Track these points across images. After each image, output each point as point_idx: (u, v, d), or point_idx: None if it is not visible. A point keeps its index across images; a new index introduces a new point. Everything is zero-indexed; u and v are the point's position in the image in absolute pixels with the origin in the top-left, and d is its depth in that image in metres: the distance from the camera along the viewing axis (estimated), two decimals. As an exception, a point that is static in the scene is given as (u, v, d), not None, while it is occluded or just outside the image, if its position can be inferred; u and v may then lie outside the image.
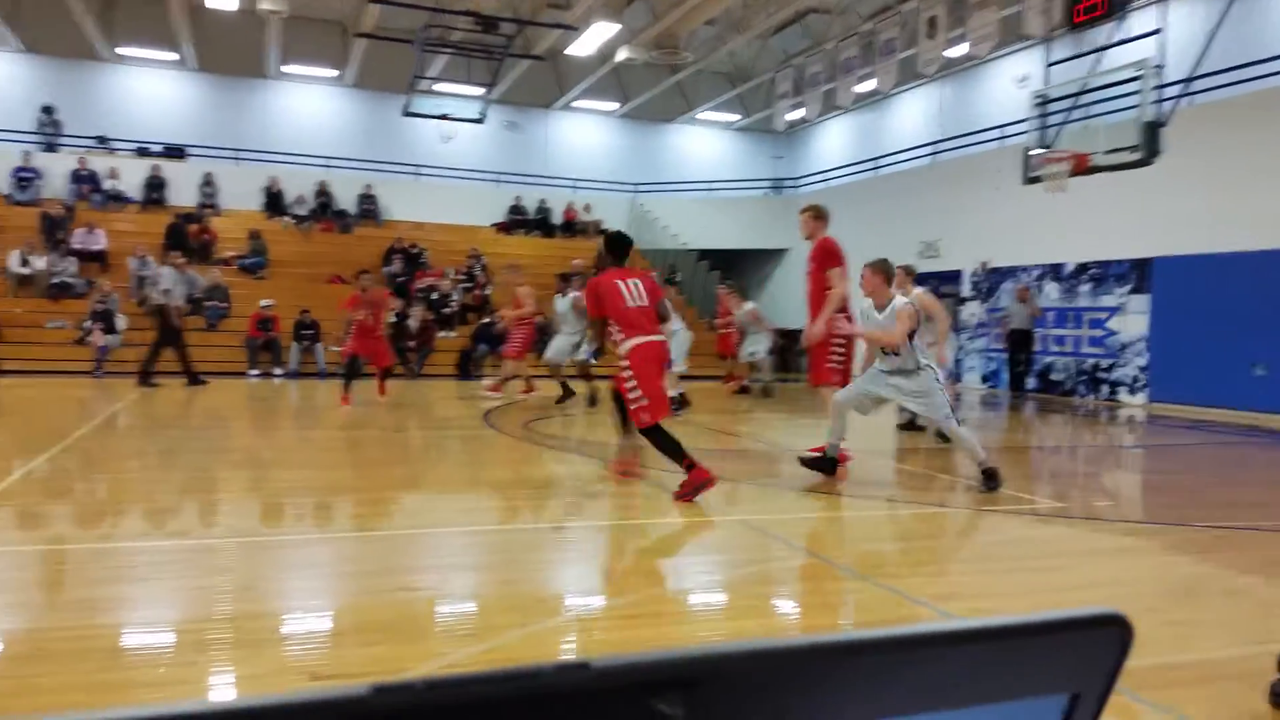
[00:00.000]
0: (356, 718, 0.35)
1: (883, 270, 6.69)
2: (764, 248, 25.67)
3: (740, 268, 26.66)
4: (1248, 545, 5.26)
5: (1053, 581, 4.57)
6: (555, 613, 3.73)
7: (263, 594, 3.90)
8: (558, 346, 12.00)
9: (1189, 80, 11.88)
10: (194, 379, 13.85)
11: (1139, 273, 14.98)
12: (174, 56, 22.21)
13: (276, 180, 22.33)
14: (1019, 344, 15.96)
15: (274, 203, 22.20)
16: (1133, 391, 15.03)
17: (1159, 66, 10.70)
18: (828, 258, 7.40)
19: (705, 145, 28.08)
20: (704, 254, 24.46)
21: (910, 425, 9.69)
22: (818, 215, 7.66)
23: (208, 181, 21.80)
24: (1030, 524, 5.78)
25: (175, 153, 22.28)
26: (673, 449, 5.83)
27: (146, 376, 13.49)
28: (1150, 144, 10.50)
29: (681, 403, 11.17)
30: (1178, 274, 14.43)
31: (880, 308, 6.65)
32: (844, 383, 7.18)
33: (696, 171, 27.35)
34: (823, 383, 7.32)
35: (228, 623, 3.48)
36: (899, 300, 6.59)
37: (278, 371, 16.44)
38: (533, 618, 3.57)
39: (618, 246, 6.35)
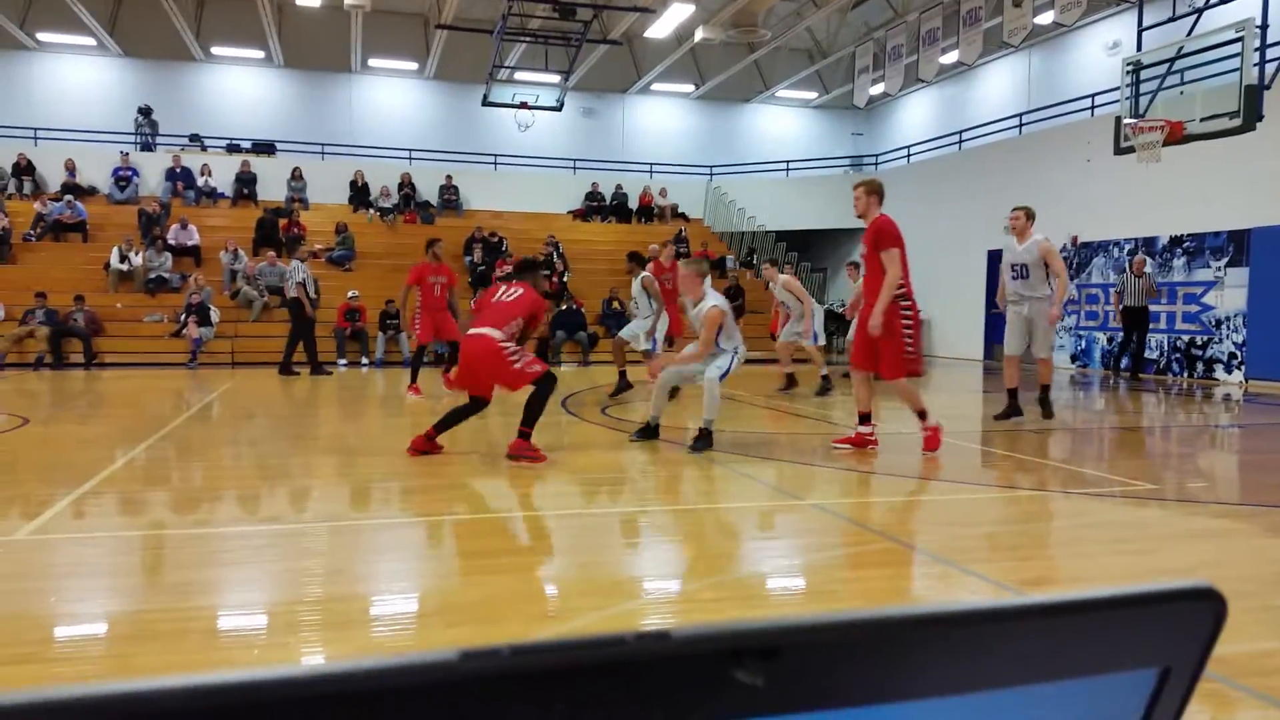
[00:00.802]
0: (444, 682, 0.37)
1: (695, 269, 7.43)
2: (843, 227, 25.26)
3: (820, 248, 26.34)
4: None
5: (1145, 565, 4.44)
6: (634, 595, 3.77)
7: (351, 577, 4.03)
8: (631, 330, 11.63)
9: (1293, 40, 11.30)
10: (318, 369, 14.58)
11: (1236, 245, 14.35)
12: (261, 54, 22.88)
13: (361, 173, 22.85)
14: (1135, 321, 14.53)
15: (360, 195, 22.72)
16: (1229, 369, 14.43)
17: (1262, 26, 10.19)
18: (883, 238, 6.95)
19: (783, 124, 27.79)
20: (781, 235, 24.24)
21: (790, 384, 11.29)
22: (872, 190, 7.20)
23: (295, 176, 22.40)
24: (1121, 506, 5.62)
25: (264, 148, 22.96)
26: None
27: (287, 367, 14.32)
28: (1250, 109, 10.03)
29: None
30: (1278, 245, 13.78)
31: (695, 304, 7.28)
32: (917, 371, 7.10)
33: (774, 151, 27.08)
34: (898, 376, 6.90)
35: (318, 605, 3.60)
36: (706, 305, 7.06)
37: (365, 361, 16.86)
38: (612, 600, 3.62)
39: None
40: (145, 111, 22.45)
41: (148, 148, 22.36)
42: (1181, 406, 11.54)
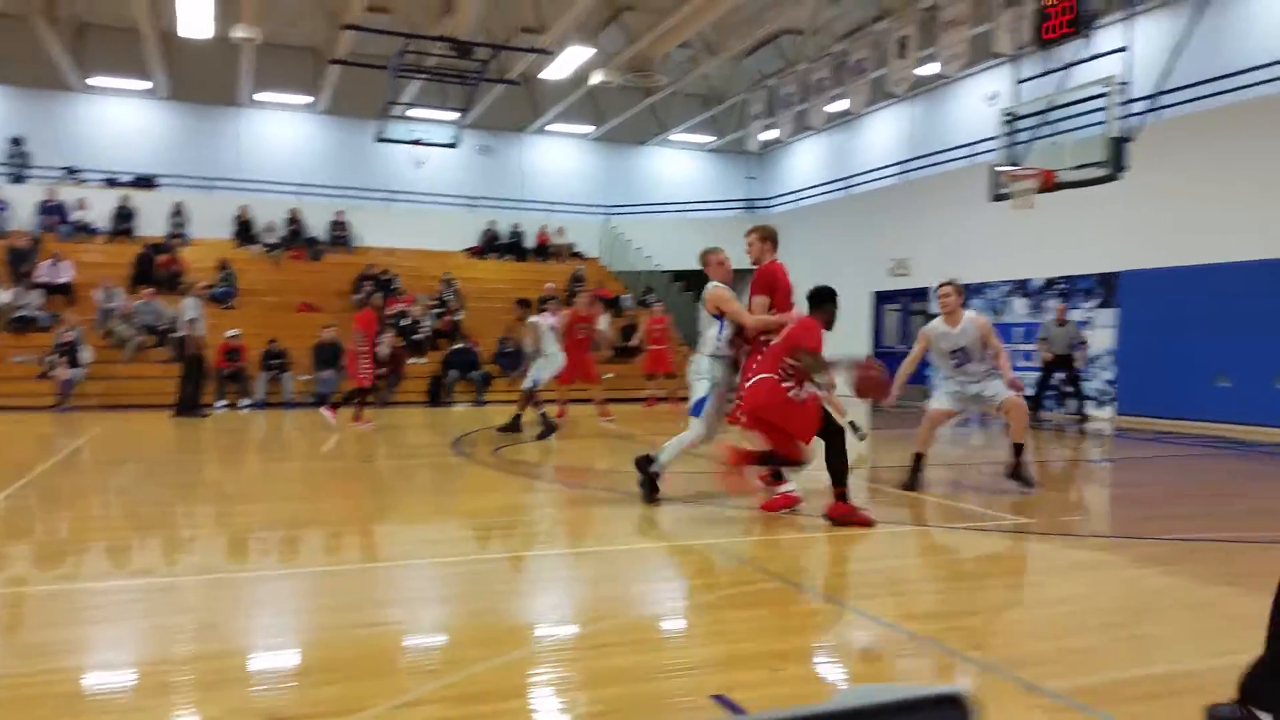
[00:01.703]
0: None
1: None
2: (738, 268, 25.65)
3: (715, 288, 26.71)
4: (1212, 557, 5.29)
5: (1021, 598, 4.58)
6: (523, 644, 3.69)
7: (225, 633, 3.84)
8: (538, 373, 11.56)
9: (1154, 96, 12.05)
10: (194, 410, 14.10)
11: (1106, 287, 15.14)
12: (145, 85, 22.12)
13: (247, 209, 22.23)
14: (1060, 369, 14.42)
15: (244, 231, 22.09)
16: (1100, 405, 15.15)
17: (1125, 83, 10.84)
18: (762, 283, 6.72)
19: (679, 166, 28.22)
20: (678, 275, 24.52)
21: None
22: (765, 236, 6.98)
23: (177, 211, 21.66)
24: (999, 540, 5.79)
25: (145, 182, 22.15)
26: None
27: (192, 408, 13.80)
28: (1116, 160, 10.62)
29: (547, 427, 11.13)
30: (1144, 288, 14.59)
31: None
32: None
33: (670, 193, 27.47)
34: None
35: (188, 664, 3.42)
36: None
37: (245, 402, 16.30)
38: (499, 650, 3.53)
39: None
40: (16, 141, 21.44)
41: (18, 179, 21.32)
42: (1056, 442, 12.03)
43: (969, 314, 7.55)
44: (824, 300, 6.32)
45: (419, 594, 4.55)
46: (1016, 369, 8.32)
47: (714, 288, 6.42)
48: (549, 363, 11.33)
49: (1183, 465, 9.56)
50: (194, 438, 11.74)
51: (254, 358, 16.72)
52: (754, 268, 6.89)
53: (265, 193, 22.97)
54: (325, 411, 12.72)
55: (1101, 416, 14.98)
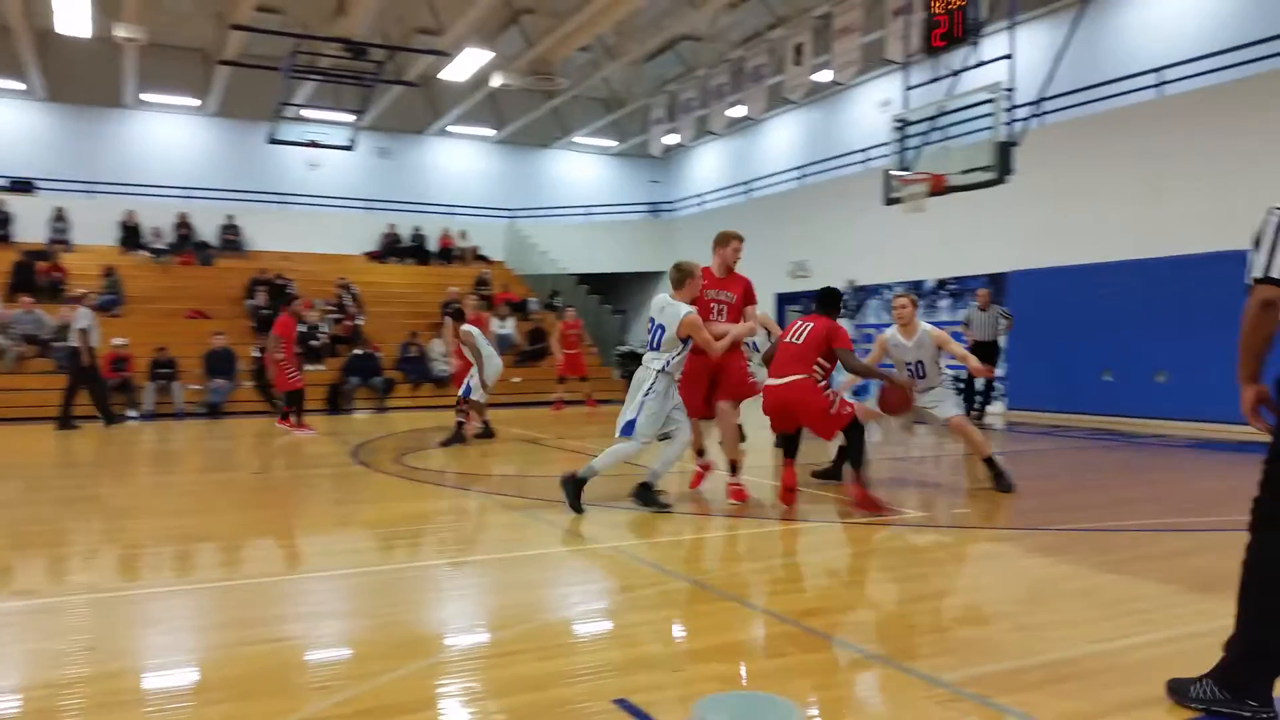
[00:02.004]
0: None
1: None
2: (643, 270, 25.90)
3: (621, 291, 26.82)
4: (1095, 546, 5.53)
5: (914, 591, 4.71)
6: (425, 655, 3.62)
7: (113, 653, 3.67)
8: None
9: (1037, 102, 12.55)
10: (112, 418, 14.05)
11: (995, 287, 15.70)
12: (20, 86, 21.09)
13: (133, 213, 21.39)
14: (985, 357, 12.92)
15: (130, 237, 21.25)
16: (992, 400, 15.70)
17: (1009, 89, 11.24)
18: (750, 293, 7.38)
19: (583, 170, 28.22)
20: (584, 278, 24.52)
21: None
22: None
23: (59, 216, 20.73)
24: (895, 535, 5.95)
25: (22, 186, 21.13)
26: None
27: (66, 420, 13.38)
28: (1002, 164, 11.02)
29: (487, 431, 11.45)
30: (1031, 287, 15.20)
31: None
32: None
33: (575, 196, 27.46)
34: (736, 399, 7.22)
35: (74, 686, 3.26)
36: None
37: (132, 413, 15.67)
38: (401, 662, 3.46)
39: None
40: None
41: (-116, 184, 20.11)
42: (950, 436, 12.40)
43: (925, 326, 7.67)
44: (835, 301, 6.97)
45: (319, 607, 4.43)
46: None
47: (690, 314, 6.45)
48: (489, 366, 11.04)
49: (1070, 458, 9.98)
50: (79, 451, 11.22)
51: (142, 367, 16.09)
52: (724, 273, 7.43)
53: (152, 197, 22.14)
54: (280, 424, 12.92)
55: (993, 411, 15.53)
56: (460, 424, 10.96)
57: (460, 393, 11.05)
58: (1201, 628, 3.76)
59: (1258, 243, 3.02)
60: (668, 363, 6.47)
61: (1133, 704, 3.02)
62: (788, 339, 6.78)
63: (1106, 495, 7.70)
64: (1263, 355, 3.03)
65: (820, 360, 6.57)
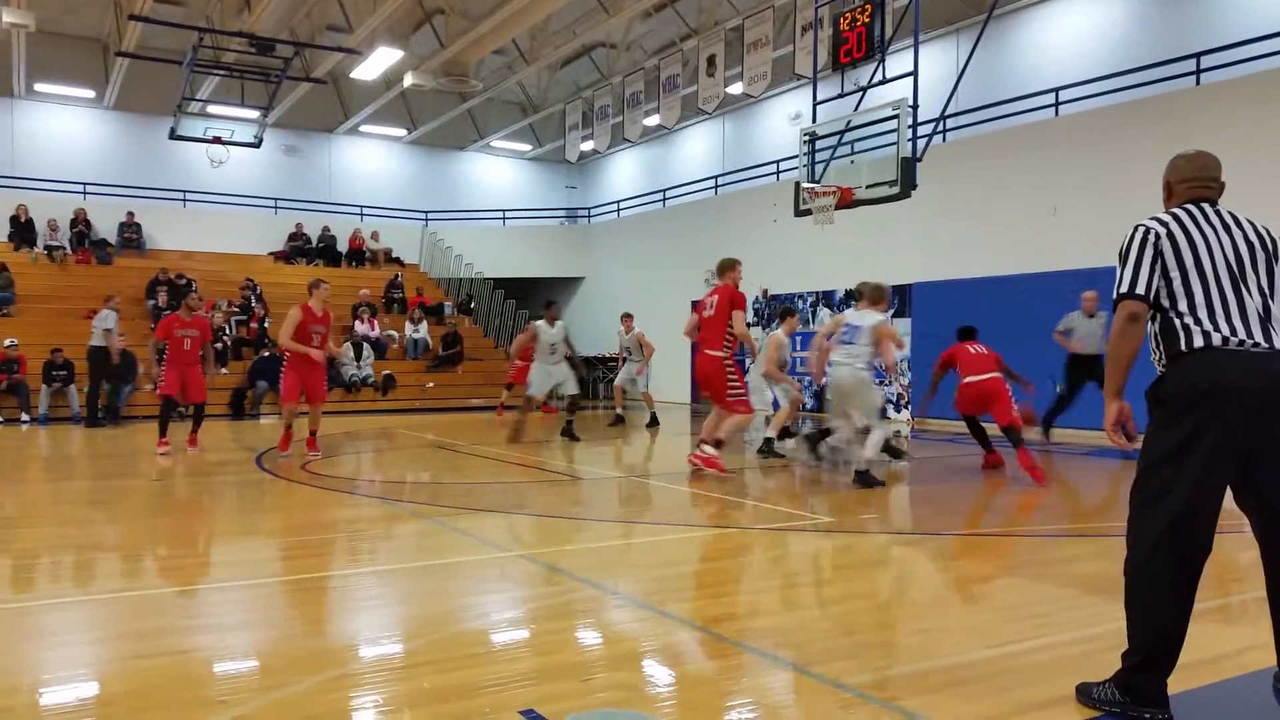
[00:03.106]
0: None
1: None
2: (560, 276, 25.84)
3: (538, 296, 26.67)
4: (994, 551, 5.71)
5: (820, 595, 4.80)
6: (327, 668, 3.54)
7: (3, 669, 3.50)
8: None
9: (939, 119, 12.91)
10: (95, 421, 14.67)
11: (900, 298, 16.11)
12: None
13: (25, 208, 20.44)
14: (1087, 372, 11.17)
15: (22, 232, 20.31)
16: (898, 409, 16.11)
17: (914, 106, 11.53)
18: (738, 300, 8.80)
19: (499, 174, 28.01)
20: (500, 283, 24.34)
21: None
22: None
23: (-59, 209, 19.69)
24: (803, 540, 6.05)
25: (-100, 177, 20.01)
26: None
27: (112, 412, 14.90)
28: (906, 179, 11.27)
29: None
30: (933, 298, 15.64)
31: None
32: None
33: (491, 200, 27.23)
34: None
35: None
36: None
37: (25, 418, 14.97)
38: (302, 676, 3.38)
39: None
40: None
41: None
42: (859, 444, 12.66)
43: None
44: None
45: (220, 619, 4.30)
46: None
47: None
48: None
49: (971, 464, 10.27)
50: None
51: (35, 369, 15.38)
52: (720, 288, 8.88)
53: (45, 191, 21.19)
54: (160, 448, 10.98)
55: (899, 419, 15.91)
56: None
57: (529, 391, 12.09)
58: (1097, 630, 3.92)
59: (1124, 258, 3.11)
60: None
61: (1032, 705, 3.12)
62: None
63: (1005, 501, 7.96)
64: (1128, 370, 3.13)
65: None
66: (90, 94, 22.03)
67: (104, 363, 14.67)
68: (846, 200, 11.19)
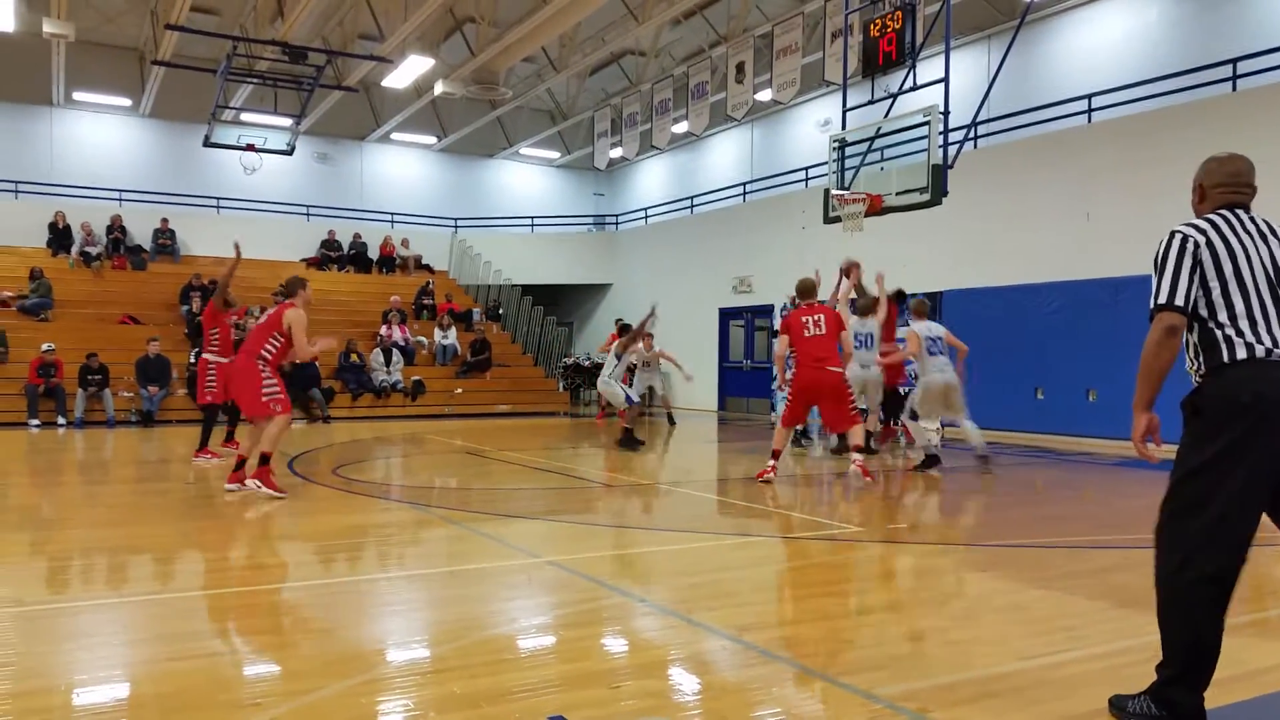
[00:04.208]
0: None
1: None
2: (587, 282, 25.91)
3: (566, 303, 26.78)
4: (1026, 562, 5.66)
5: (848, 606, 4.77)
6: (359, 672, 3.57)
7: (36, 670, 3.56)
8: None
9: (971, 126, 12.82)
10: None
11: (931, 305, 15.97)
12: (-60, 80, 20.42)
13: (63, 215, 20.80)
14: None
15: (60, 239, 20.65)
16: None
17: (945, 112, 11.46)
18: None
19: (527, 181, 28.13)
20: (527, 289, 24.44)
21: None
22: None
23: (-18, 215, 20.07)
24: (831, 550, 6.02)
25: (-57, 184, 20.43)
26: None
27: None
28: (937, 186, 11.21)
29: None
30: (965, 305, 15.51)
31: None
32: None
33: (519, 207, 27.35)
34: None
35: (-15, 707, 3.15)
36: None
37: (61, 421, 15.21)
38: (334, 679, 3.41)
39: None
40: None
41: None
42: (888, 452, 12.60)
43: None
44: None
45: (252, 622, 4.34)
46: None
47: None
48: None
49: (1001, 475, 10.18)
50: (3, 459, 10.86)
51: (71, 374, 15.62)
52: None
53: (83, 198, 21.55)
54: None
55: (929, 427, 15.76)
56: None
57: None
58: (1130, 643, 3.87)
59: (1160, 266, 3.03)
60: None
61: (1064, 719, 3.09)
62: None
63: (1037, 512, 7.88)
64: (1161, 383, 3.06)
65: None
66: (127, 102, 22.39)
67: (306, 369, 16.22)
68: (876, 207, 11.14)
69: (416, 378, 19.11)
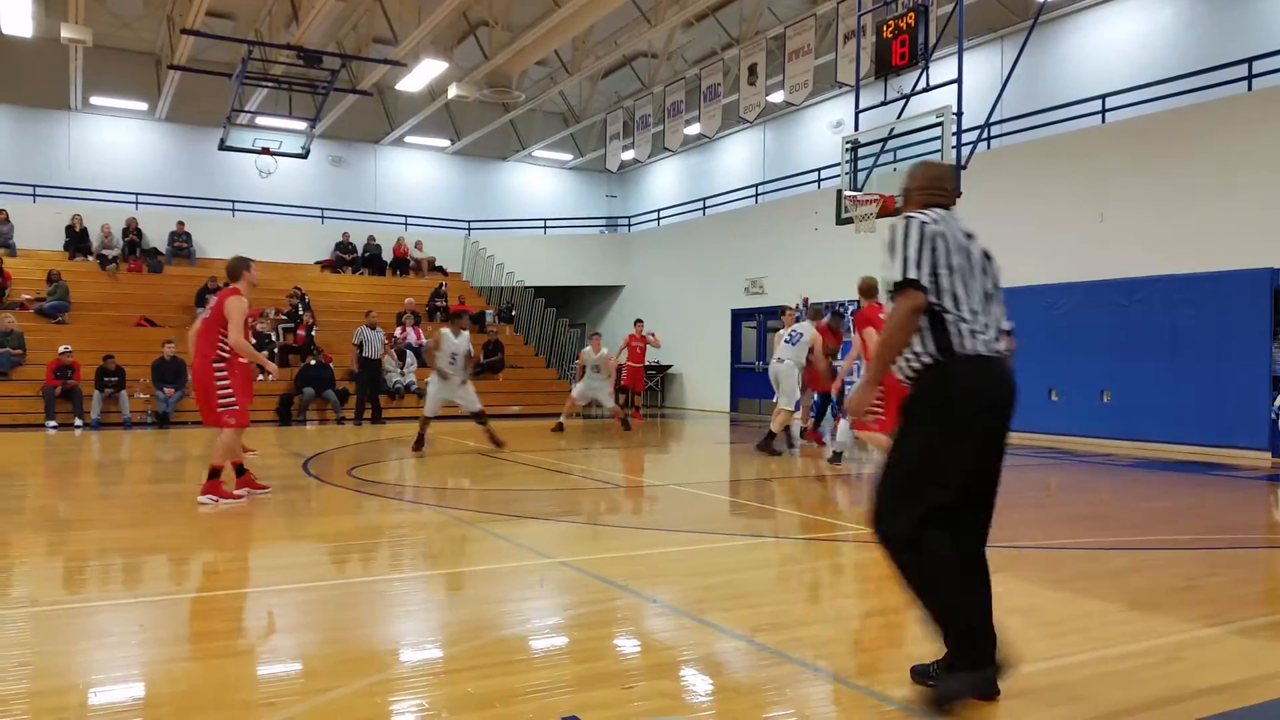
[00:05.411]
0: None
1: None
2: (600, 284, 25.95)
3: (578, 304, 26.83)
4: (1039, 564, 5.63)
5: (863, 607, 4.76)
6: (373, 672, 3.59)
7: (53, 669, 3.59)
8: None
9: (984, 127, 12.80)
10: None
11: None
12: (-40, 85, 20.62)
13: (80, 218, 20.97)
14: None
15: (77, 241, 20.82)
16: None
17: (957, 113, 11.44)
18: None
19: (540, 183, 28.20)
20: (540, 291, 24.50)
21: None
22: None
23: (1, 219, 20.24)
24: (848, 550, 6.01)
25: (-38, 188, 20.61)
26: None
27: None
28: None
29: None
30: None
31: None
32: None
33: (532, 209, 27.43)
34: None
35: (9, 703, 3.18)
36: None
37: (78, 422, 15.33)
38: (348, 679, 3.43)
39: None
40: None
41: None
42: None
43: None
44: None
45: (265, 622, 4.37)
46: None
47: None
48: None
49: (1016, 476, 10.14)
50: (21, 460, 10.95)
51: (88, 375, 15.75)
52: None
53: (100, 201, 21.72)
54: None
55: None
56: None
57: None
58: (1143, 646, 3.85)
59: (902, 247, 3.14)
60: None
61: (1074, 720, 3.08)
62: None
63: (1051, 513, 7.85)
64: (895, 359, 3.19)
65: None
66: (143, 106, 22.56)
67: (375, 374, 17.37)
68: (889, 208, 11.13)
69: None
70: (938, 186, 3.46)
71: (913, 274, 3.07)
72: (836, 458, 10.36)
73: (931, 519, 3.10)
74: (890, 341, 3.12)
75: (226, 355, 7.36)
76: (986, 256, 3.33)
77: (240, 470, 7.92)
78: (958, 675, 3.09)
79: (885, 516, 3.19)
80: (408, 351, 19.19)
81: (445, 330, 12.04)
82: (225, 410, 7.36)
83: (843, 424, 10.63)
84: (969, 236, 3.30)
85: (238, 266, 7.68)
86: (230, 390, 7.38)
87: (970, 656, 3.10)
